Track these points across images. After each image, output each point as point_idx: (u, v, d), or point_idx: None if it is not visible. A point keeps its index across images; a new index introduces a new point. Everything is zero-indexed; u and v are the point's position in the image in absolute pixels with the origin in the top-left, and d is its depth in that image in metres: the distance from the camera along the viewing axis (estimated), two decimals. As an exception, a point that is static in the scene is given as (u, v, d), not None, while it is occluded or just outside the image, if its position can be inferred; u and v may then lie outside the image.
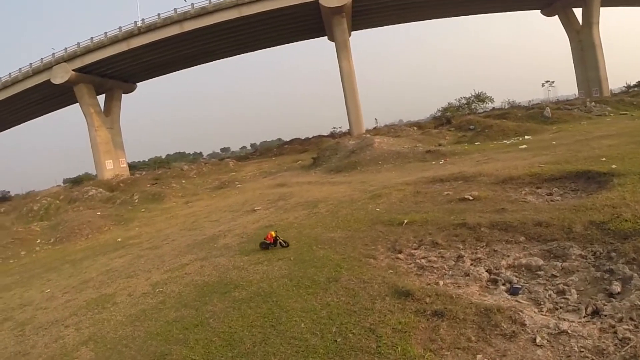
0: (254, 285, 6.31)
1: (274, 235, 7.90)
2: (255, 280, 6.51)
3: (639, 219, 5.97)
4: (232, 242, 9.32)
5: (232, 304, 5.76)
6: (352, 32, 51.85)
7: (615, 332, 3.89)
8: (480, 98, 48.95)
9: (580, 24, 54.13)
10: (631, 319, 4.13)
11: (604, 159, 10.34)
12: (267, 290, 5.99)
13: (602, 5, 52.97)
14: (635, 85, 52.44)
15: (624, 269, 4.98)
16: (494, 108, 48.80)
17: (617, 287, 4.75)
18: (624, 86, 55.47)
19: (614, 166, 9.21)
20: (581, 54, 54.00)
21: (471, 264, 6.00)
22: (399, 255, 6.66)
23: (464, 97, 49.77)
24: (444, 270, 5.94)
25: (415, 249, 6.86)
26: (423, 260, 6.33)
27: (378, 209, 9.61)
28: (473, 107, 48.33)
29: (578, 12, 54.48)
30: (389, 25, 59.87)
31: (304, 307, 5.24)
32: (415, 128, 37.76)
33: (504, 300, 4.85)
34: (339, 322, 4.70)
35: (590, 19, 52.49)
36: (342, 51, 46.17)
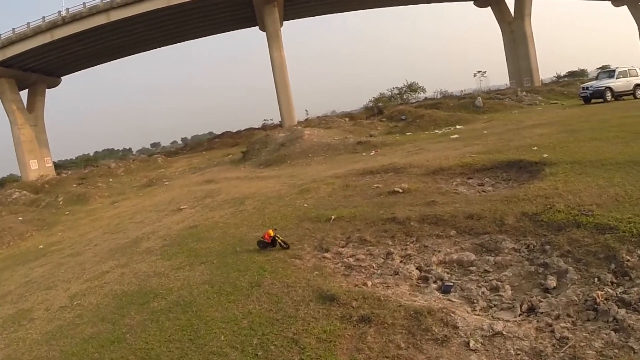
0: (174, 293, 6.31)
1: (272, 234, 7.57)
2: (176, 287, 6.52)
3: (572, 209, 6.44)
4: (155, 246, 9.40)
5: (150, 316, 5.74)
6: (284, 22, 54.11)
7: (552, 331, 4.13)
8: (412, 88, 51.57)
9: (513, 15, 59.52)
10: (568, 315, 4.41)
11: (535, 148, 11.11)
12: (187, 299, 5.99)
13: None
14: (565, 75, 58.11)
15: (558, 262, 5.33)
16: (426, 98, 51.59)
17: (552, 281, 5.08)
18: (555, 76, 61.22)
19: (545, 155, 9.94)
20: (513, 44, 59.49)
21: (401, 262, 6.19)
22: (326, 255, 6.75)
23: (397, 87, 52.19)
24: (372, 269, 6.07)
25: (342, 247, 7.00)
26: (351, 259, 6.45)
27: (306, 205, 9.83)
28: (405, 97, 50.73)
29: (510, 3, 59.69)
30: (321, 14, 62.76)
31: (225, 316, 5.21)
32: (346, 119, 38.99)
33: (435, 300, 5.03)
34: (260, 333, 4.67)
35: (522, 11, 57.98)
36: (274, 41, 48.65)
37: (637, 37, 71.07)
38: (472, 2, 63.23)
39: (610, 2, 72.01)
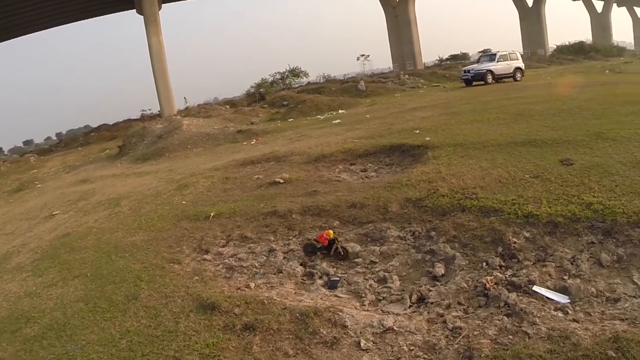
0: (47, 315, 5.79)
1: (331, 235, 6.26)
2: (49, 308, 5.99)
3: (456, 193, 6.77)
4: (26, 261, 8.63)
5: (23, 345, 5.21)
6: (164, 5, 52.08)
7: (444, 322, 4.27)
8: (294, 73, 51.98)
9: (397, 0, 61.80)
10: (459, 303, 4.60)
11: (417, 131, 11.61)
12: (61, 321, 5.52)
13: None
14: (447, 59, 61.91)
15: (445, 249, 5.57)
16: (309, 83, 52.42)
17: (440, 269, 5.28)
18: (437, 59, 64.87)
19: (427, 138, 10.41)
20: (397, 28, 62.18)
21: (284, 258, 6.16)
22: (206, 256, 6.56)
23: (279, 72, 52.32)
24: (255, 269, 5.98)
25: (223, 247, 6.83)
26: (232, 260, 6.31)
27: (184, 202, 9.55)
28: (288, 82, 51.04)
29: None
30: None
31: (102, 338, 4.88)
32: (227, 106, 38.53)
33: (321, 298, 5.05)
34: (140, 354, 4.42)
35: None
36: (152, 25, 46.94)
37: (517, 23, 78.86)
38: None
39: None
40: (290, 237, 6.76)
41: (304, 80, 54.15)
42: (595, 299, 4.52)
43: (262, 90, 43.71)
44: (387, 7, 63.07)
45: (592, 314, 4.27)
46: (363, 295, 5.08)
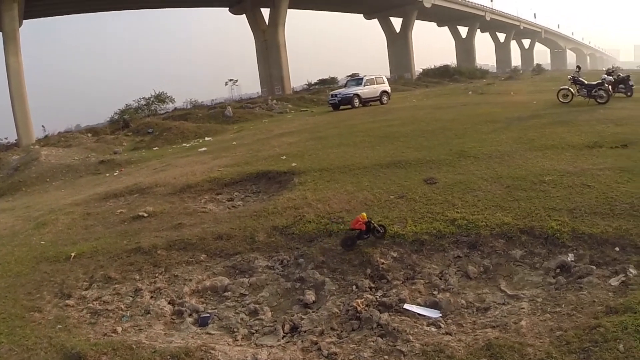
0: None
1: (365, 218, 6.25)
2: None
3: (323, 218, 7.07)
4: None
5: None
6: (25, 21, 48.95)
7: (319, 349, 4.40)
8: (160, 98, 50.51)
9: (267, 24, 63.74)
10: (332, 329, 4.77)
11: (284, 157, 11.91)
12: None
13: (290, 7, 63.60)
14: (316, 83, 63.47)
15: (314, 275, 5.77)
16: (175, 108, 51.15)
17: (310, 296, 5.45)
18: (306, 84, 66.33)
19: (294, 164, 10.72)
20: (266, 53, 63.86)
21: (151, 297, 6.01)
22: (69, 301, 6.19)
23: (144, 98, 50.62)
24: (121, 312, 5.75)
25: (86, 290, 6.49)
26: (96, 303, 6.02)
27: (43, 242, 8.90)
28: (153, 108, 49.47)
29: (266, 12, 63.72)
30: (69, 14, 58.72)
31: None
32: (89, 135, 36.44)
33: (192, 337, 4.99)
34: None
35: (277, 20, 62.49)
36: (10, 44, 43.75)
37: (385, 48, 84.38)
38: (228, 9, 65.50)
39: (362, 15, 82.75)
40: (157, 275, 6.62)
41: (170, 106, 53.05)
42: (465, 310, 4.90)
43: (126, 117, 42.10)
44: (257, 31, 64.29)
45: (464, 325, 4.61)
46: (235, 330, 5.09)
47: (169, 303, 5.87)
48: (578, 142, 10.17)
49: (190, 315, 5.58)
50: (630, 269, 4.91)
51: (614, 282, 4.81)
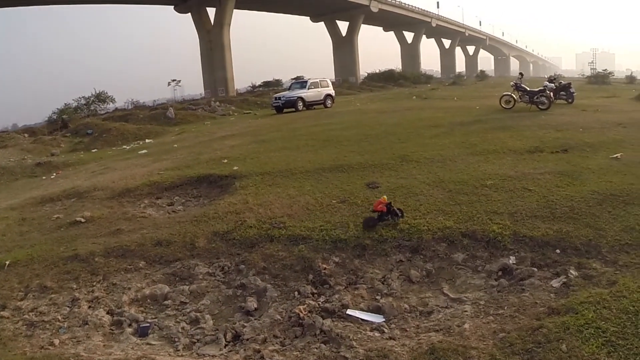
0: None
1: (386, 200, 6.87)
2: None
3: (264, 223, 7.04)
4: None
5: None
6: None
7: (262, 357, 4.38)
8: (100, 98, 49.23)
9: (213, 23, 62.74)
10: (275, 336, 4.75)
11: (226, 160, 11.85)
12: None
13: (236, 8, 63.19)
14: (260, 86, 63.18)
15: (256, 281, 5.74)
16: (116, 109, 49.96)
17: (252, 303, 5.42)
18: (250, 86, 65.94)
19: (235, 168, 10.67)
20: (210, 53, 62.88)
21: (89, 307, 5.82)
22: (3, 313, 5.91)
23: (84, 97, 49.18)
24: (58, 323, 5.55)
25: (21, 300, 6.23)
26: (32, 314, 5.79)
27: None
28: (93, 108, 48.15)
29: (212, 12, 62.77)
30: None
31: None
32: (26, 135, 35.05)
33: (132, 348, 4.89)
34: None
35: (222, 20, 61.79)
36: None
37: (331, 51, 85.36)
38: (173, 7, 64.32)
39: (309, 18, 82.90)
40: (94, 283, 6.42)
41: (111, 106, 51.83)
42: (409, 314, 4.98)
43: (64, 117, 40.81)
44: (202, 31, 63.40)
45: (407, 329, 4.67)
46: (176, 339, 5.01)
47: (108, 313, 5.71)
48: (519, 147, 10.51)
49: (129, 325, 5.44)
50: (571, 271, 5.10)
51: (556, 283, 4.98)
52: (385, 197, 7.08)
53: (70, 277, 6.62)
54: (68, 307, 5.96)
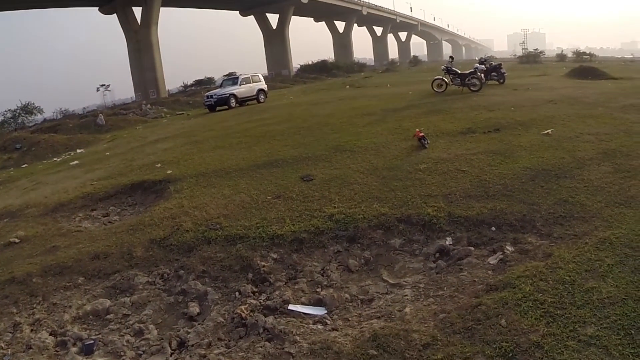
0: None
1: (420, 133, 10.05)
2: None
3: (200, 226, 7.03)
4: None
5: None
6: None
7: None
8: (27, 109, 47.38)
9: (139, 23, 60.76)
10: (219, 339, 4.78)
11: (159, 164, 11.73)
12: None
13: (163, 6, 61.39)
14: (192, 85, 62.23)
15: (196, 286, 5.75)
16: (45, 120, 48.18)
17: (194, 307, 5.43)
18: (182, 86, 64.84)
19: (169, 171, 10.59)
20: (139, 54, 60.91)
21: (31, 331, 5.68)
22: None
23: (10, 110, 47.16)
24: (1, 351, 5.41)
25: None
26: (-28, 345, 5.72)
27: None
28: (20, 120, 46.24)
29: (138, 11, 60.82)
30: None
31: None
32: None
33: (80, 367, 4.79)
34: None
35: (149, 19, 59.99)
36: None
37: (262, 45, 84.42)
38: (97, 8, 62.19)
39: (238, 12, 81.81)
40: (35, 305, 6.27)
41: (39, 117, 49.98)
42: (350, 304, 5.10)
43: (-11, 132, 39.11)
44: (129, 32, 61.41)
45: (349, 319, 4.79)
46: (122, 353, 4.97)
47: (51, 334, 5.59)
48: (452, 129, 10.81)
49: (74, 344, 5.36)
50: (507, 247, 5.34)
51: (492, 260, 5.20)
52: (418, 130, 10.22)
53: (9, 302, 6.44)
54: (10, 332, 5.81)
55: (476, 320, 3.99)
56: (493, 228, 5.84)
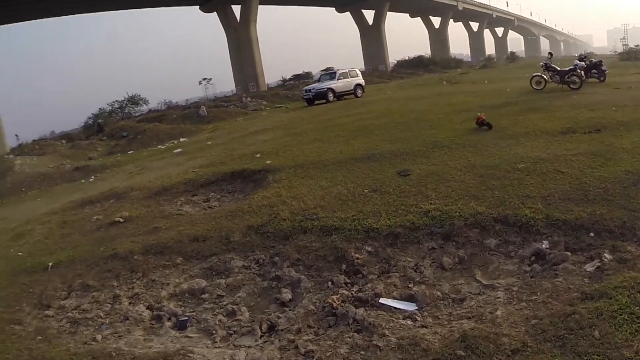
0: None
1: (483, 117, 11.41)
2: None
3: (297, 215, 7.05)
4: None
5: None
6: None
7: (296, 347, 4.39)
8: (133, 101, 49.99)
9: (239, 21, 62.45)
10: (309, 326, 4.76)
11: (259, 155, 11.87)
12: None
13: (261, 3, 62.77)
14: (290, 79, 63.36)
15: (290, 273, 5.76)
16: (150, 110, 50.62)
17: (287, 294, 5.45)
18: (281, 80, 66.08)
19: (268, 162, 10.70)
20: (238, 50, 62.51)
21: (130, 303, 5.96)
22: (48, 312, 6.14)
23: (117, 101, 50.07)
24: (100, 320, 5.72)
25: (65, 299, 6.43)
26: (75, 312, 5.99)
27: (20, 253, 8.79)
28: (127, 111, 48.92)
29: (237, 9, 62.84)
30: (32, 19, 54.96)
31: None
32: (63, 141, 35.74)
33: (172, 341, 4.98)
34: None
35: (248, 17, 61.36)
36: None
37: (359, 41, 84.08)
38: (198, 7, 64.86)
39: (334, 9, 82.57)
40: (134, 280, 6.56)
41: (145, 108, 52.60)
42: (441, 302, 4.93)
43: (100, 121, 41.56)
44: (229, 29, 63.40)
45: (439, 317, 4.64)
46: (213, 332, 5.08)
47: (148, 308, 5.83)
48: (551, 129, 10.25)
49: (168, 319, 5.55)
50: (605, 254, 4.96)
51: (589, 267, 4.87)
52: (480, 114, 11.58)
53: (110, 275, 6.76)
54: (109, 304, 6.10)
55: (569, 330, 3.75)
56: (591, 234, 5.46)
